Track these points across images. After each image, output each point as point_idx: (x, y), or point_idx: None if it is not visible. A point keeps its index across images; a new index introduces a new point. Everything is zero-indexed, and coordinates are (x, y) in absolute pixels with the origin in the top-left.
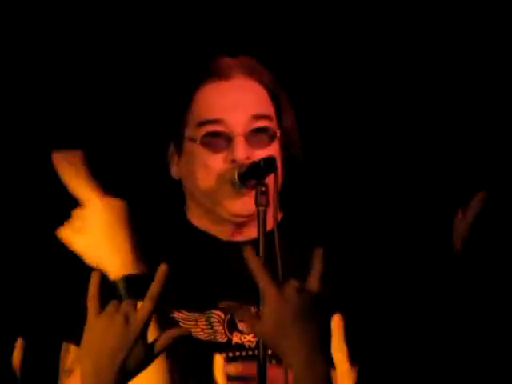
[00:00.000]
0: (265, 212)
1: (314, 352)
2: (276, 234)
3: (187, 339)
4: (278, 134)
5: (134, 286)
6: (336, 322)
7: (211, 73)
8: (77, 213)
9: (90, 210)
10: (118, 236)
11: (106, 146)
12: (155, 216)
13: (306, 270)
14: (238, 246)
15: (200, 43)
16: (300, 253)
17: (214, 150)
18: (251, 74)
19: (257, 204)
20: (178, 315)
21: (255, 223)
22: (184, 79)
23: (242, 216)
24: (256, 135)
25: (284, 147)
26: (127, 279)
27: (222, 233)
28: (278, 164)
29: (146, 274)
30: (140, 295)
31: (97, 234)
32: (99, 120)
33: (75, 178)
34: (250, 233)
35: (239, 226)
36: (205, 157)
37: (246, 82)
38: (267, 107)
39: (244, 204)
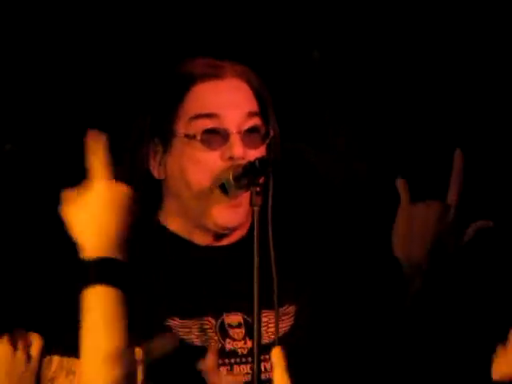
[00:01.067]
0: (259, 212)
1: None
2: (270, 234)
3: (182, 346)
4: (272, 134)
5: (105, 268)
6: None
7: (205, 71)
8: (83, 186)
9: (94, 187)
10: (110, 219)
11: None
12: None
13: (297, 260)
14: (220, 250)
15: (191, 48)
16: (290, 248)
17: (211, 146)
18: (242, 75)
19: (252, 204)
20: (172, 323)
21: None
22: (176, 76)
23: (227, 228)
24: (249, 135)
25: (269, 148)
26: (100, 261)
27: (203, 239)
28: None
29: (121, 262)
30: (107, 280)
31: (90, 210)
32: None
33: (97, 156)
34: (231, 238)
35: (221, 234)
36: (201, 153)
37: (238, 83)
38: (257, 107)
39: (231, 217)
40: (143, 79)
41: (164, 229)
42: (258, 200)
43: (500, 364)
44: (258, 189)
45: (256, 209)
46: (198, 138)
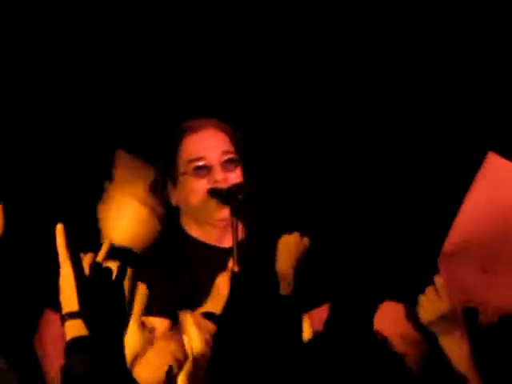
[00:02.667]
0: (237, 221)
1: None
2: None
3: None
4: (241, 164)
5: (121, 255)
6: None
7: (189, 129)
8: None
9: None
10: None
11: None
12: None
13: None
14: (224, 250)
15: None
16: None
17: (201, 177)
18: (216, 126)
19: (233, 215)
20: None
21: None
22: (170, 136)
23: (223, 220)
24: (226, 164)
25: (244, 172)
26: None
27: (210, 238)
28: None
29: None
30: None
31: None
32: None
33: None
34: (230, 241)
35: (223, 232)
36: (194, 183)
37: (214, 132)
38: (230, 146)
39: (223, 213)
40: (152, 139)
41: (182, 230)
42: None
43: (425, 311)
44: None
45: (235, 219)
46: (191, 173)
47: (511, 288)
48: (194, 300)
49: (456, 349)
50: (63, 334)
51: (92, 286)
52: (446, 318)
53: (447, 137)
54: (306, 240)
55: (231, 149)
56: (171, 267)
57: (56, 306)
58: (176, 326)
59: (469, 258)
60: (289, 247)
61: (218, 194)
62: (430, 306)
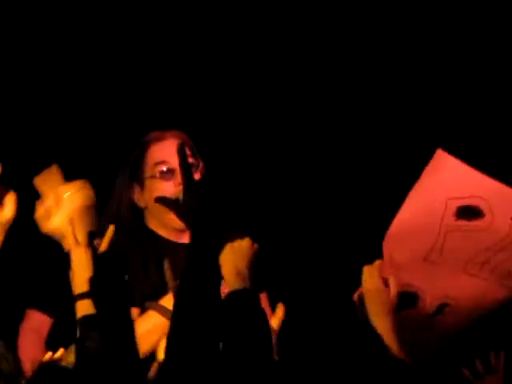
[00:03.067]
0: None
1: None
2: None
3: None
4: (200, 165)
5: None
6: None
7: (155, 138)
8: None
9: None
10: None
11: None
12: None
13: None
14: (183, 246)
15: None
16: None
17: (166, 179)
18: (177, 136)
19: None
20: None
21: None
22: (140, 143)
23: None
24: None
25: (202, 175)
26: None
27: (172, 235)
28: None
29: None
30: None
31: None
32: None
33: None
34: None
35: (181, 232)
36: (161, 185)
37: (175, 140)
38: (190, 152)
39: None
40: (123, 146)
41: (149, 229)
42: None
43: (365, 281)
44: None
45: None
46: (158, 176)
47: (448, 280)
48: (161, 291)
49: (381, 321)
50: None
51: (100, 268)
52: (380, 292)
53: (400, 136)
54: (255, 246)
55: (190, 153)
56: (141, 261)
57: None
58: (143, 316)
59: (410, 245)
60: (238, 252)
61: (163, 201)
62: (370, 277)
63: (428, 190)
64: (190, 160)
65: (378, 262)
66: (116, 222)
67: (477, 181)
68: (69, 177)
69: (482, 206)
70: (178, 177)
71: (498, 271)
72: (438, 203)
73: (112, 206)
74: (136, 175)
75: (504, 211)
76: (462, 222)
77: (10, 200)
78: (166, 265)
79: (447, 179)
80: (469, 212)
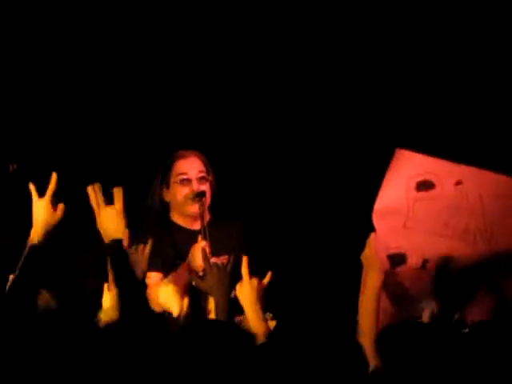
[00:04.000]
0: (203, 211)
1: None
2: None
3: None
4: (210, 179)
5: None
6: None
7: (179, 156)
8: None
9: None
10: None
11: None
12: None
13: (227, 239)
14: (195, 231)
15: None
16: (221, 232)
17: (184, 186)
18: (195, 155)
19: (200, 207)
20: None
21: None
22: (169, 159)
23: (195, 213)
24: (200, 179)
25: (211, 184)
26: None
27: (186, 223)
28: (208, 193)
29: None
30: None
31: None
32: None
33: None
34: (199, 225)
35: (194, 219)
36: (179, 189)
37: (194, 158)
38: (203, 168)
39: (195, 208)
40: (157, 161)
41: (171, 220)
42: (203, 206)
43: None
44: (202, 200)
45: (201, 209)
46: (178, 182)
47: (423, 241)
48: (177, 262)
49: (370, 282)
50: None
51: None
52: (373, 256)
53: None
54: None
55: (204, 170)
56: (161, 241)
57: None
58: (164, 280)
59: (392, 217)
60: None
61: (192, 197)
62: (367, 246)
63: (394, 176)
64: (203, 174)
65: (372, 234)
66: (149, 211)
67: (426, 161)
68: (121, 182)
69: (434, 179)
70: (193, 185)
71: (457, 229)
72: (402, 183)
73: (148, 201)
74: (165, 180)
75: (449, 180)
76: (422, 193)
77: (60, 208)
78: (180, 244)
79: (405, 165)
80: (424, 185)
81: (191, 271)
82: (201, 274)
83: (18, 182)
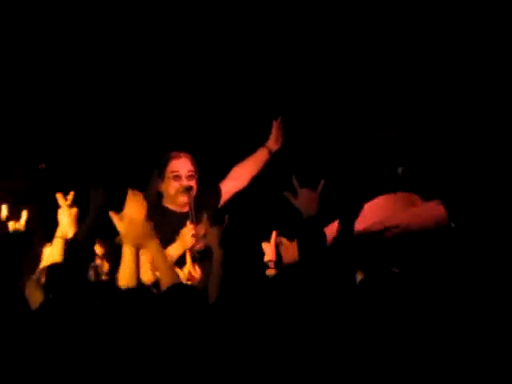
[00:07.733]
0: (191, 201)
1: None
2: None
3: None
4: (197, 176)
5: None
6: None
7: (173, 156)
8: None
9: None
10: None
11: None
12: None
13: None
14: (184, 214)
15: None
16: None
17: (175, 181)
18: (186, 156)
19: (188, 197)
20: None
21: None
22: (165, 158)
23: (184, 203)
24: (189, 176)
25: (197, 181)
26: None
27: (176, 208)
28: (194, 187)
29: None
30: None
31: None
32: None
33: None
34: (187, 209)
35: (183, 206)
36: (171, 183)
37: (186, 160)
38: (192, 167)
39: (184, 198)
40: (154, 160)
41: (164, 206)
42: (190, 195)
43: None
44: (190, 192)
45: (190, 199)
46: (171, 177)
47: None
48: (169, 241)
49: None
50: None
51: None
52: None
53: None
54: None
55: (192, 169)
56: (157, 223)
57: None
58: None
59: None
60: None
61: (182, 190)
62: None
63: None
64: (192, 173)
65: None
66: (148, 199)
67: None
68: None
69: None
70: (182, 180)
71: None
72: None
73: (148, 192)
74: (161, 175)
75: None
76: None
77: (75, 209)
78: (173, 225)
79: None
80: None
81: (190, 248)
82: (197, 247)
83: (47, 180)
